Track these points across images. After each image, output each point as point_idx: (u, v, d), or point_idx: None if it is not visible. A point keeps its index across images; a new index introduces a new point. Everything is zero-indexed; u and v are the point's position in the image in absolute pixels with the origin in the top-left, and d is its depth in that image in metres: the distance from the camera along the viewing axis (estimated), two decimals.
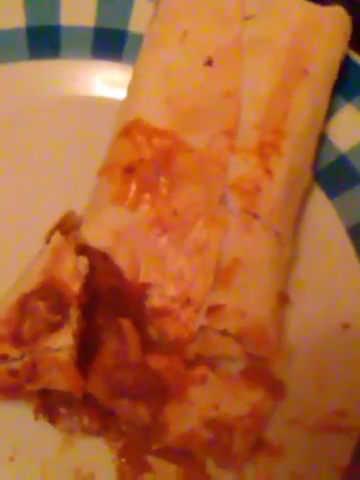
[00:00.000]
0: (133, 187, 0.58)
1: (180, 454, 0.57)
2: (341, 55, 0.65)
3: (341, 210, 0.66)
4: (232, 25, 0.63)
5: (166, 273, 0.57)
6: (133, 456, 0.57)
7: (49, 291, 0.54)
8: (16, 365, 0.53)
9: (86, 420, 0.57)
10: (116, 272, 0.57)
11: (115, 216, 0.58)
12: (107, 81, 0.70)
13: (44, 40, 0.70)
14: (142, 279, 0.57)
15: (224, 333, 0.56)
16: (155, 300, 0.57)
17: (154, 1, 0.67)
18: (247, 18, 0.63)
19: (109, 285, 0.57)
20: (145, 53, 0.64)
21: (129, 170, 0.59)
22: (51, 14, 0.70)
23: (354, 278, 0.63)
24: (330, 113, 0.67)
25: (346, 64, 0.66)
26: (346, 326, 0.62)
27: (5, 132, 0.68)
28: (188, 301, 0.57)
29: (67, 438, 0.58)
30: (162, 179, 0.58)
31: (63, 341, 0.52)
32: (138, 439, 0.57)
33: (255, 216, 0.58)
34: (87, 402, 0.56)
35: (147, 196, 0.58)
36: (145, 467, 0.57)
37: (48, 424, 0.58)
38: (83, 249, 0.57)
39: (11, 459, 0.57)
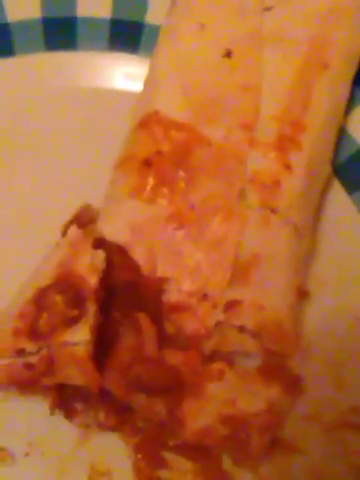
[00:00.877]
0: (151, 180, 0.58)
1: (196, 450, 0.56)
2: None
3: None
4: (251, 17, 0.62)
5: (183, 268, 0.57)
6: (149, 452, 0.57)
7: (66, 285, 0.54)
8: (32, 359, 0.52)
9: (102, 415, 0.57)
10: (133, 266, 0.56)
11: (132, 210, 0.58)
12: (124, 73, 0.70)
13: (60, 32, 0.70)
14: (159, 274, 0.57)
15: (241, 329, 0.55)
16: (172, 295, 0.57)
17: None
18: (266, 10, 0.62)
19: (126, 279, 0.56)
20: (163, 45, 0.63)
21: (147, 163, 0.58)
22: (67, 5, 0.70)
23: None
24: (349, 107, 0.66)
25: None
26: None
27: (21, 124, 0.68)
28: (205, 296, 0.56)
29: (83, 433, 0.58)
30: (180, 172, 0.58)
31: (80, 335, 0.52)
32: (154, 435, 0.57)
33: (274, 211, 0.57)
34: (103, 397, 0.56)
35: (165, 190, 0.58)
36: (161, 463, 0.57)
37: (64, 419, 0.57)
38: (100, 243, 0.56)
39: (27, 454, 0.57)
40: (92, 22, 0.70)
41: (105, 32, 0.70)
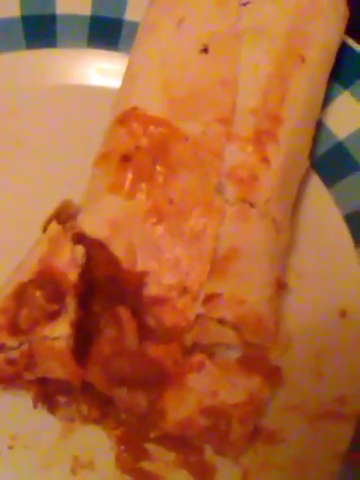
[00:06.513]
0: (129, 176, 0.58)
1: (178, 441, 0.57)
2: (338, 41, 0.64)
3: (338, 198, 0.66)
4: (228, 12, 0.62)
5: (163, 262, 0.57)
6: (132, 443, 0.57)
7: (46, 280, 0.54)
8: (14, 354, 0.53)
9: (85, 408, 0.58)
10: (113, 261, 0.57)
11: (112, 205, 0.58)
12: (103, 70, 0.70)
13: (40, 29, 0.70)
14: (139, 268, 0.57)
15: (221, 321, 0.56)
16: (152, 289, 0.57)
17: None
18: (243, 4, 0.62)
19: (106, 274, 0.57)
20: (141, 41, 0.64)
21: (125, 159, 0.59)
22: (47, 3, 0.70)
23: (351, 265, 0.63)
24: (327, 101, 0.66)
25: (343, 51, 0.66)
26: (344, 313, 0.62)
27: (0, 121, 0.68)
28: (185, 289, 0.57)
29: (66, 426, 0.58)
30: (158, 168, 0.58)
31: (60, 330, 0.53)
32: (136, 427, 0.57)
33: (251, 204, 0.57)
34: (85, 390, 0.56)
35: (143, 185, 0.58)
36: (144, 454, 0.57)
37: (47, 413, 0.58)
38: (80, 238, 0.57)
39: (10, 447, 0.57)
40: (72, 19, 0.70)
41: (85, 29, 0.70)
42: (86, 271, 0.56)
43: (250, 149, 0.58)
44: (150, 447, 0.57)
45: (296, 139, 0.61)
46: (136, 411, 0.56)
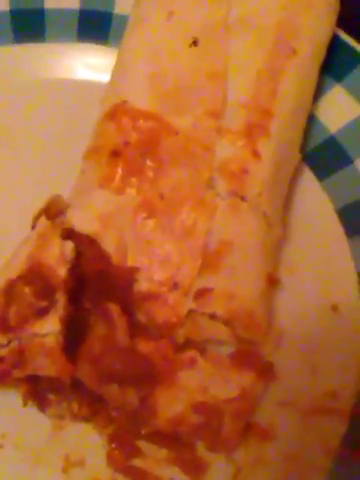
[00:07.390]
0: (119, 171, 0.58)
1: (170, 438, 0.56)
2: (329, 33, 0.64)
3: (331, 191, 0.65)
4: (218, 4, 0.62)
5: (153, 257, 0.57)
6: (123, 441, 0.57)
7: (35, 276, 0.54)
8: (3, 351, 0.52)
9: (75, 406, 0.57)
10: (103, 256, 0.56)
11: (101, 200, 0.58)
12: (92, 64, 0.70)
13: (28, 23, 0.70)
14: (129, 263, 0.57)
15: (213, 316, 0.55)
16: (143, 284, 0.57)
17: None
18: None
19: (96, 269, 0.56)
20: (130, 34, 0.63)
21: (115, 153, 0.58)
22: None
23: (344, 259, 0.63)
24: (319, 94, 0.66)
25: (335, 44, 0.66)
26: (336, 307, 0.61)
27: None
28: (176, 285, 0.56)
29: (56, 424, 0.58)
30: (148, 162, 0.58)
31: (50, 326, 0.52)
32: (128, 424, 0.57)
33: (243, 198, 0.57)
34: (76, 388, 0.56)
35: (134, 180, 0.58)
36: (135, 452, 0.57)
37: (37, 411, 0.57)
38: (69, 234, 0.56)
39: (0, 447, 0.57)
40: (60, 13, 0.70)
41: (74, 23, 0.70)
42: (76, 267, 0.55)
43: (241, 143, 0.58)
44: (141, 444, 0.57)
45: (287, 132, 0.60)
46: (127, 408, 0.55)
